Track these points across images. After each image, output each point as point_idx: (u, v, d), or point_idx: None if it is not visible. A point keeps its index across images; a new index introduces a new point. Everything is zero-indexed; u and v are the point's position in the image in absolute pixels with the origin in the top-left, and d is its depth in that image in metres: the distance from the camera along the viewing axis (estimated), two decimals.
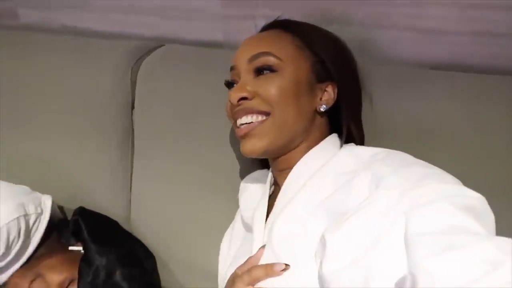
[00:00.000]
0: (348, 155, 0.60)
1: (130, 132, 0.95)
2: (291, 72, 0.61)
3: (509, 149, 0.67)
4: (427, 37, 0.84)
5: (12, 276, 0.85)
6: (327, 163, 0.60)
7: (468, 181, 0.50)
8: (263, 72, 0.62)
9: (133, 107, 0.95)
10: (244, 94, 0.61)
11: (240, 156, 0.83)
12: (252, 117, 0.61)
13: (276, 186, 0.71)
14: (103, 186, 0.97)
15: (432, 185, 0.45)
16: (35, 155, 1.02)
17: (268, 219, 0.63)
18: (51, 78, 1.00)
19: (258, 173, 0.78)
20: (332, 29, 0.89)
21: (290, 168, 0.64)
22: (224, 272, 0.70)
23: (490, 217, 0.44)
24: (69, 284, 0.83)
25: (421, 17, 0.82)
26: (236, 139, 0.82)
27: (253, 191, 0.73)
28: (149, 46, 0.99)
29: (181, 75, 0.90)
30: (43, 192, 0.95)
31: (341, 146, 0.65)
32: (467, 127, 0.70)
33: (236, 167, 0.83)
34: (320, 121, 0.66)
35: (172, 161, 0.89)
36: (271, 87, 0.60)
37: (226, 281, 0.61)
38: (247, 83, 0.62)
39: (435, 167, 0.52)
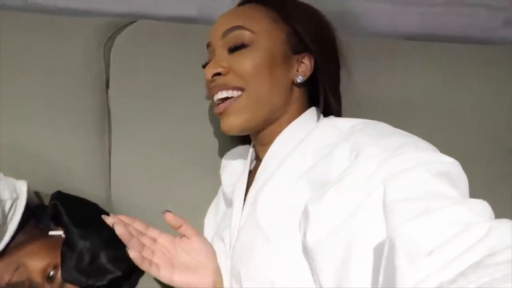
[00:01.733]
0: (327, 128, 0.61)
1: (106, 112, 0.92)
2: (264, 45, 0.61)
3: (480, 115, 0.70)
4: (401, 8, 0.85)
5: None
6: (307, 136, 0.61)
7: (443, 148, 0.52)
8: (237, 48, 0.61)
9: (108, 86, 0.92)
10: (218, 70, 0.61)
11: (220, 132, 0.82)
12: (227, 92, 0.62)
13: (257, 161, 0.71)
14: (81, 168, 0.94)
15: (409, 153, 0.47)
16: (7, 140, 0.97)
17: (249, 193, 0.63)
18: (19, 59, 0.95)
19: (240, 148, 0.78)
20: (307, 0, 0.89)
21: (271, 142, 0.64)
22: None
23: (464, 181, 0.46)
24: (53, 270, 0.81)
25: None
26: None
27: (234, 167, 0.73)
28: (121, 23, 0.95)
29: (155, 52, 0.88)
30: (17, 177, 0.92)
31: (319, 118, 0.66)
32: (440, 96, 0.72)
33: (217, 143, 0.83)
34: (299, 94, 0.66)
35: (151, 140, 0.87)
36: (245, 61, 0.60)
37: None
38: (222, 58, 0.62)
39: (412, 135, 0.53)
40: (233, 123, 0.61)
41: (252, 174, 0.67)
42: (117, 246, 0.85)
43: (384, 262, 0.38)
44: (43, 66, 0.92)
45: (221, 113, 0.63)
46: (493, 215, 0.39)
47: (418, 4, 0.83)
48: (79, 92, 0.90)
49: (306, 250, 0.50)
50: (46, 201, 0.94)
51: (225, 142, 0.83)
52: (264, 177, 0.61)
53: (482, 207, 0.39)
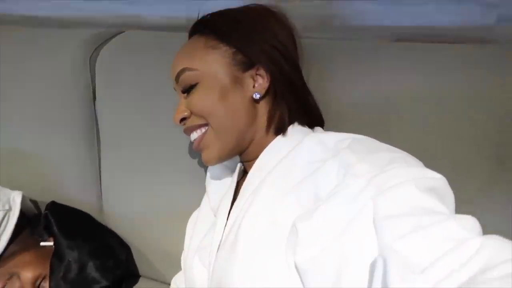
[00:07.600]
0: (313, 142, 0.59)
1: (94, 123, 0.93)
2: (210, 78, 0.61)
3: (470, 121, 0.66)
4: (391, 7, 0.82)
5: None
6: (292, 151, 0.59)
7: (431, 157, 0.51)
8: (188, 90, 0.63)
9: (94, 97, 0.93)
10: (182, 116, 0.64)
11: None
12: (196, 132, 0.65)
13: (245, 174, 0.70)
14: (74, 178, 0.96)
15: (398, 169, 0.46)
16: (4, 150, 1.00)
17: (233, 209, 0.62)
18: (11, 71, 0.98)
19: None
20: (296, 5, 0.87)
21: (256, 157, 0.63)
22: (185, 255, 0.71)
23: (451, 196, 0.46)
24: (42, 280, 0.83)
25: None
26: None
27: (221, 179, 0.72)
28: (108, 34, 0.96)
29: (141, 61, 0.88)
30: (16, 187, 0.94)
31: (306, 131, 0.63)
32: (428, 101, 0.68)
33: None
34: (266, 107, 0.63)
35: (139, 150, 0.88)
36: (197, 101, 0.62)
37: (185, 264, 0.65)
38: (182, 102, 0.65)
39: (399, 150, 0.52)
40: (209, 156, 0.64)
41: (238, 188, 0.66)
42: (105, 256, 0.87)
43: (376, 279, 0.38)
44: (31, 80, 0.94)
45: (197, 150, 0.66)
46: (481, 231, 0.39)
47: (407, 3, 0.79)
48: (68, 104, 0.92)
49: (291, 269, 0.49)
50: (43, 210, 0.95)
51: None
52: (248, 193, 0.61)
53: (471, 222, 0.39)
